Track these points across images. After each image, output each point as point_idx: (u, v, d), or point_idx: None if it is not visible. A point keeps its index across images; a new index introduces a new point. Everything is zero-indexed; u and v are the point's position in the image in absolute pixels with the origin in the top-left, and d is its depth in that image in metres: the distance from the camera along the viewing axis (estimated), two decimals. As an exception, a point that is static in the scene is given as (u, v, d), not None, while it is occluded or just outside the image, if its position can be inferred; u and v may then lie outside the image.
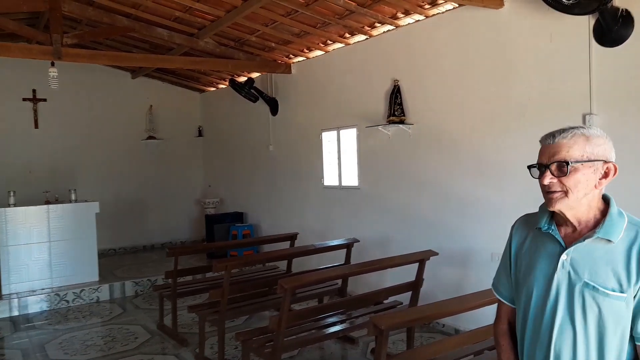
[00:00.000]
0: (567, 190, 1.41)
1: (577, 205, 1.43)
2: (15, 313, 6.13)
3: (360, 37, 5.89)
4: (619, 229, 1.40)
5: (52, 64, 6.18)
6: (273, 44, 6.61)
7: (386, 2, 4.94)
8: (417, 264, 4.02)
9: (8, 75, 8.03)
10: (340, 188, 6.41)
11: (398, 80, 5.38)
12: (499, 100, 4.43)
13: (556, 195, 1.43)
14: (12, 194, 6.61)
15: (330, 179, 6.61)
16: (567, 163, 1.39)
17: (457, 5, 4.69)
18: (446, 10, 4.86)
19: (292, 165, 7.34)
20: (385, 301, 4.25)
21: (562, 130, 1.44)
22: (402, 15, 5.20)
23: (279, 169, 7.66)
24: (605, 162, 1.42)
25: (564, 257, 1.44)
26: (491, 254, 4.38)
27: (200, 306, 4.61)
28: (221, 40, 6.74)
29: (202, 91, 9.81)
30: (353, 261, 4.93)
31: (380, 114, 5.61)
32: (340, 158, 6.41)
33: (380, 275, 5.39)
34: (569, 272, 1.43)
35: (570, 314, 1.41)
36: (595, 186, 1.42)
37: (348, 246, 4.86)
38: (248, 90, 7.49)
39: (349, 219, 6.23)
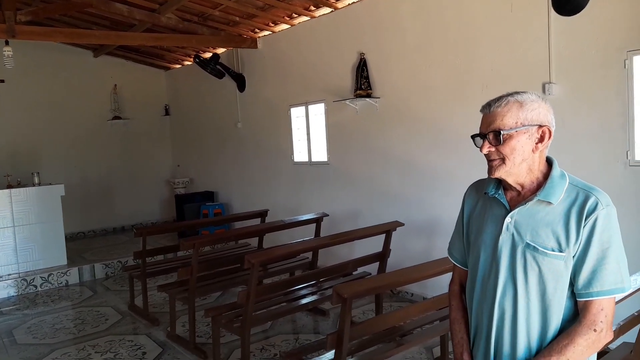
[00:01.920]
0: (504, 158, 1.46)
1: (517, 170, 1.47)
2: (-19, 300, 6.00)
3: (325, 10, 5.82)
4: (559, 191, 1.43)
5: (7, 43, 5.92)
6: (237, 18, 6.48)
7: (350, -27, 4.87)
8: (384, 235, 4.07)
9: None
10: (310, 164, 6.41)
11: (364, 54, 5.35)
12: (462, 73, 4.46)
13: (495, 162, 1.48)
14: (-29, 178, 6.40)
15: (300, 155, 6.59)
16: (500, 132, 1.43)
17: (421, -24, 4.66)
18: (410, -19, 4.82)
19: (261, 142, 7.29)
20: (354, 272, 4.31)
21: (497, 99, 1.47)
22: (366, -13, 5.14)
23: (248, 146, 7.59)
24: (540, 126, 1.45)
25: (508, 219, 1.49)
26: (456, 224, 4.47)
27: (170, 285, 4.59)
28: (184, 16, 6.57)
29: (168, 69, 9.58)
30: (323, 235, 4.95)
31: (347, 88, 5.59)
32: (309, 134, 6.38)
33: (351, 248, 5.45)
34: (512, 234, 1.47)
35: (512, 274, 1.47)
36: (533, 150, 1.46)
37: (317, 220, 4.89)
38: (214, 67, 7.35)
39: (319, 194, 6.25)
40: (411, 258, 4.60)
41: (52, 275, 6.52)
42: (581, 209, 1.39)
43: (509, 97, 1.46)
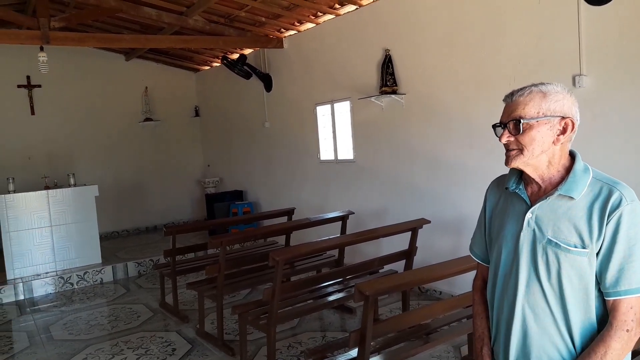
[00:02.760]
0: (523, 148, 1.42)
1: (535, 162, 1.43)
2: (21, 297, 6.23)
3: (350, 7, 5.80)
4: (581, 186, 1.39)
5: (42, 49, 6.14)
6: (263, 19, 6.53)
7: (373, -30, 4.84)
8: (410, 233, 4.03)
9: (1, 62, 7.99)
10: (336, 162, 6.41)
11: (389, 50, 5.31)
12: (490, 66, 4.37)
13: (513, 153, 1.44)
14: (11, 180, 6.65)
15: (326, 153, 6.60)
16: (520, 121, 1.40)
17: (445, -30, 4.59)
18: (434, -25, 4.76)
19: (288, 141, 7.33)
20: (380, 270, 4.28)
21: (521, 89, 1.44)
22: (390, -17, 5.10)
23: (275, 145, 7.65)
24: (563, 117, 1.40)
25: (529, 215, 1.45)
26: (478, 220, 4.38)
27: (198, 283, 4.67)
28: (211, 17, 6.66)
29: (197, 70, 9.74)
30: (350, 232, 4.95)
31: (372, 85, 5.56)
32: (335, 132, 6.38)
33: (377, 246, 5.42)
34: (533, 230, 1.44)
35: (535, 270, 1.43)
36: (554, 142, 1.41)
37: (343, 218, 4.88)
38: (241, 67, 7.44)
39: (346, 192, 6.24)
40: (438, 256, 4.54)
41: (88, 274, 6.72)
42: (604, 204, 1.34)
43: (533, 87, 1.42)
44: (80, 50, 8.20)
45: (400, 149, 5.37)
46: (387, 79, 5.30)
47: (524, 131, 1.40)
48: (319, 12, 6.13)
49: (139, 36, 7.07)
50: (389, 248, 4.80)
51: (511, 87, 4.22)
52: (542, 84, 1.43)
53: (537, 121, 1.39)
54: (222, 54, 8.01)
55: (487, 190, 1.69)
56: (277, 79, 7.37)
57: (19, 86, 8.29)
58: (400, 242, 4.42)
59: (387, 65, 5.32)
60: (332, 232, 5.42)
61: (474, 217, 4.59)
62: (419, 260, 4.23)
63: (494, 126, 1.49)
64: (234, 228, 7.55)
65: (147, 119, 9.31)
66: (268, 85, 7.50)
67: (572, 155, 1.47)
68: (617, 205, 1.33)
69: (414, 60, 5.11)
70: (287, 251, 3.45)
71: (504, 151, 1.48)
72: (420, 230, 4.09)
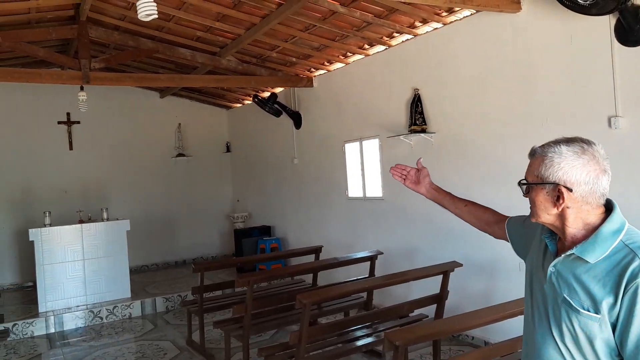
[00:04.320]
0: (532, 207, 1.44)
1: (547, 221, 1.42)
2: (52, 330, 6.30)
3: (379, 48, 5.88)
4: (600, 249, 1.32)
5: (82, 88, 6.41)
6: (294, 59, 6.68)
7: (403, 12, 4.92)
8: (441, 276, 3.93)
9: (44, 100, 8.36)
10: (364, 199, 6.37)
11: (418, 89, 5.33)
12: (521, 106, 4.33)
13: (530, 209, 1.46)
14: (47, 214, 6.85)
15: (354, 190, 6.58)
16: (520, 183, 1.44)
17: (475, 12, 4.63)
18: (464, 17, 4.80)
19: (316, 178, 7.35)
20: (411, 314, 4.17)
21: (534, 148, 1.43)
22: (419, 24, 5.17)
23: (304, 181, 7.68)
24: (557, 184, 1.35)
25: (551, 268, 1.42)
26: (519, 264, 4.24)
27: (225, 322, 4.64)
28: (243, 58, 6.85)
29: (229, 108, 9.98)
30: (378, 273, 4.87)
31: (401, 124, 5.57)
32: (363, 169, 6.38)
33: (407, 287, 5.30)
34: (554, 284, 1.40)
35: (549, 326, 1.40)
36: (556, 208, 1.37)
37: (372, 258, 4.81)
38: (271, 105, 7.58)
39: (374, 230, 6.17)
40: (470, 300, 4.41)
41: (117, 308, 6.77)
42: (622, 272, 1.26)
43: (539, 149, 1.41)
44: (117, 88, 8.51)
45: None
46: (417, 118, 5.30)
47: (527, 193, 1.43)
48: (348, 53, 6.24)
49: (174, 76, 7.32)
50: (419, 290, 4.69)
51: (544, 128, 4.15)
52: (558, 143, 1.37)
53: (536, 186, 1.40)
54: (254, 93, 8.19)
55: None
56: (307, 116, 7.48)
57: (59, 122, 8.64)
58: (430, 284, 4.31)
59: (416, 105, 5.33)
60: (360, 271, 5.35)
61: (508, 260, 4.47)
62: (450, 304, 4.11)
63: (520, 183, 1.47)
64: (262, 264, 7.54)
65: (180, 155, 9.52)
66: (297, 123, 7.60)
67: (608, 208, 1.38)
68: (635, 277, 1.24)
69: (444, 100, 5.11)
70: (315, 294, 3.41)
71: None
72: (451, 273, 3.99)
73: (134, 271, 7.97)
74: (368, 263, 4.90)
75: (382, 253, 4.89)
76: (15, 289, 8.10)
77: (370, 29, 5.44)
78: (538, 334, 1.43)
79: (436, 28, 5.15)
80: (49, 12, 5.88)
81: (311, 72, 7.12)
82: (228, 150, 10.09)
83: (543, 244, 1.49)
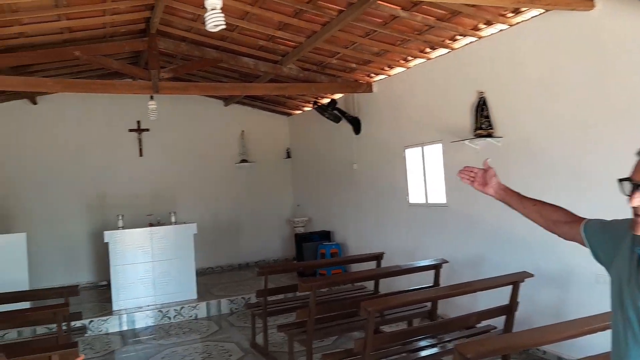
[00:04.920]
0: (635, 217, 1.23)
1: None
2: (124, 328, 6.65)
3: (441, 51, 5.78)
4: None
5: (151, 97, 6.73)
6: (354, 65, 6.69)
7: (466, 15, 4.81)
8: (510, 287, 3.79)
9: (117, 109, 8.85)
10: (426, 206, 6.26)
11: (483, 92, 5.18)
12: (594, 107, 4.10)
13: (633, 219, 1.26)
14: (120, 217, 7.24)
15: (416, 196, 6.48)
16: (623, 179, 1.22)
17: (544, 11, 4.44)
18: (531, 17, 4.62)
19: (376, 183, 7.31)
20: (477, 325, 4.05)
21: None
22: (483, 26, 5.03)
23: (363, 187, 7.66)
24: None
25: None
26: (596, 275, 4.01)
27: (288, 326, 4.70)
28: (304, 65, 6.94)
29: (289, 114, 10.15)
30: (443, 282, 4.77)
31: (466, 128, 5.43)
32: (425, 175, 6.27)
33: (473, 297, 5.14)
34: None
35: None
36: None
37: (436, 267, 4.72)
38: (331, 112, 7.62)
39: (437, 237, 6.04)
40: (541, 312, 4.22)
41: (184, 308, 7.03)
42: None
43: None
44: (183, 97, 8.87)
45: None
46: (482, 122, 5.16)
47: (633, 192, 1.22)
48: (409, 57, 6.17)
49: (238, 84, 7.53)
50: (486, 300, 4.54)
51: (620, 130, 3.90)
52: None
53: None
54: (314, 99, 8.28)
55: (623, 222, 1.44)
56: (366, 122, 7.46)
57: (130, 130, 9.12)
58: (498, 293, 4.16)
59: (481, 108, 5.18)
60: (423, 279, 5.26)
61: (581, 271, 4.23)
62: (519, 315, 3.95)
63: (621, 180, 1.29)
64: (322, 269, 7.59)
65: (243, 161, 9.79)
66: (357, 128, 7.60)
67: None
68: None
69: (511, 103, 4.94)
70: (380, 302, 3.39)
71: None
72: (521, 284, 3.83)
73: (199, 273, 8.24)
74: (430, 271, 4.80)
75: (447, 262, 4.78)
76: (91, 287, 8.61)
77: (432, 33, 5.36)
78: (632, 355, 1.30)
79: (501, 30, 4.99)
80: (122, 27, 6.23)
81: (371, 77, 7.10)
82: (288, 156, 10.26)
83: (635, 256, 1.34)
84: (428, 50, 5.86)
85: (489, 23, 4.95)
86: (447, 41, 5.51)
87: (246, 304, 6.84)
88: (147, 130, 9.14)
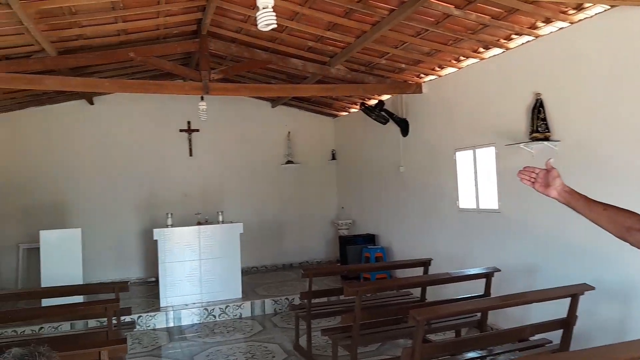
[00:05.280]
0: None
1: None
2: (171, 324, 6.78)
3: (496, 51, 5.56)
4: None
5: (202, 98, 6.84)
6: (403, 65, 6.56)
7: (523, 12, 4.60)
8: (569, 299, 3.57)
9: (168, 109, 9.08)
10: (477, 211, 6.04)
11: (540, 94, 4.94)
12: (668, 111, 3.81)
13: None
14: (169, 215, 7.39)
15: (466, 201, 6.27)
16: None
17: (609, 8, 4.18)
18: (595, 14, 4.36)
19: (424, 187, 7.13)
20: (531, 338, 3.84)
21: None
22: (542, 25, 4.80)
23: (410, 190, 7.50)
24: None
25: None
26: (664, 290, 3.73)
27: (333, 330, 4.63)
28: (352, 66, 6.87)
29: (335, 116, 10.10)
30: (494, 292, 4.56)
31: (521, 131, 5.20)
32: (476, 179, 6.06)
33: (526, 308, 4.90)
34: None
35: None
36: None
37: (487, 276, 4.52)
38: (378, 113, 7.51)
39: (488, 244, 5.81)
40: (602, 328, 3.96)
41: (229, 307, 7.10)
42: None
43: None
44: (232, 98, 8.99)
45: (554, 200, 4.87)
46: (539, 124, 4.91)
47: None
48: (461, 57, 5.98)
49: (286, 86, 7.55)
50: (540, 312, 4.32)
51: None
52: None
53: None
54: (360, 100, 8.19)
55: None
56: (415, 123, 7.29)
57: (180, 130, 9.33)
58: (554, 305, 3.93)
59: (538, 110, 4.94)
60: (472, 287, 5.06)
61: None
62: (577, 330, 3.71)
63: None
64: (366, 273, 7.49)
65: (289, 162, 9.83)
66: (405, 130, 7.45)
67: None
68: None
69: (570, 105, 4.68)
70: (429, 311, 3.26)
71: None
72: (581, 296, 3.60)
73: (245, 272, 8.31)
74: (482, 280, 4.61)
75: (499, 270, 4.57)
76: (140, 283, 8.85)
77: (486, 32, 5.17)
78: None
79: (561, 28, 4.74)
80: (174, 28, 6.36)
81: (420, 77, 6.94)
82: (334, 157, 10.22)
83: None
84: (481, 50, 5.65)
85: (547, 21, 4.71)
86: (502, 40, 5.30)
87: (290, 305, 6.84)
88: (197, 130, 9.32)
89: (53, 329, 6.15)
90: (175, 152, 9.31)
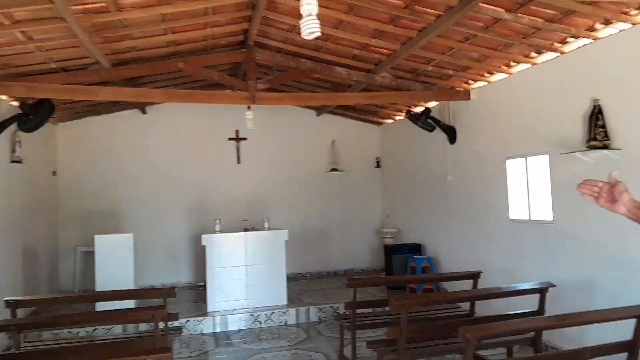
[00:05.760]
0: None
1: None
2: (217, 329, 6.87)
3: (549, 56, 5.33)
4: None
5: (248, 108, 6.93)
6: (450, 72, 6.42)
7: (580, 14, 4.39)
8: (634, 320, 3.34)
9: (217, 118, 9.27)
10: (529, 222, 5.79)
11: (599, 100, 4.69)
12: None
13: None
14: (218, 221, 7.52)
15: (517, 211, 6.03)
16: None
17: (677, 7, 3.92)
18: (661, 15, 4.10)
19: (472, 196, 6.92)
20: None
21: None
22: (600, 27, 4.56)
23: (458, 199, 7.30)
24: None
25: None
26: None
27: (378, 342, 4.55)
28: (397, 73, 6.78)
29: (380, 124, 10.02)
30: (548, 308, 4.34)
31: (577, 139, 4.95)
32: (528, 189, 5.82)
33: (583, 327, 4.65)
34: None
35: None
36: None
37: (542, 291, 4.30)
38: (424, 120, 7.38)
39: (542, 257, 5.55)
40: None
41: (274, 314, 7.13)
42: None
43: None
44: (277, 107, 9.08)
45: (616, 213, 4.60)
46: (597, 132, 4.66)
47: None
48: (512, 62, 5.78)
49: (330, 94, 7.55)
50: (598, 332, 4.07)
51: None
52: None
53: None
54: (406, 108, 8.07)
55: None
56: (462, 131, 7.11)
57: (229, 139, 9.51)
58: (614, 326, 3.70)
59: (596, 117, 4.69)
60: (524, 302, 4.85)
61: None
62: (641, 352, 3.47)
63: None
64: (413, 284, 7.34)
65: (333, 169, 9.82)
66: (452, 138, 7.27)
67: None
68: None
69: (633, 111, 4.41)
70: (480, 329, 3.12)
71: None
72: (644, 317, 3.36)
73: (290, 278, 8.32)
74: (535, 295, 4.40)
75: (554, 285, 4.35)
76: (189, 287, 9.06)
77: (539, 35, 4.97)
78: None
79: (622, 30, 4.49)
80: (222, 39, 6.49)
81: (469, 84, 6.76)
82: (378, 165, 10.13)
83: None
84: (534, 54, 5.44)
85: (607, 22, 4.47)
86: (557, 44, 5.08)
87: (335, 314, 6.78)
88: (245, 139, 9.48)
89: (106, 331, 6.37)
90: (224, 160, 9.50)
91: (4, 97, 6.25)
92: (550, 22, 4.63)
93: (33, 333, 6.03)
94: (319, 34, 3.30)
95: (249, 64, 6.56)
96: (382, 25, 5.39)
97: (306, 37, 3.29)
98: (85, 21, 4.74)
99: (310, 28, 3.17)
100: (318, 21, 3.25)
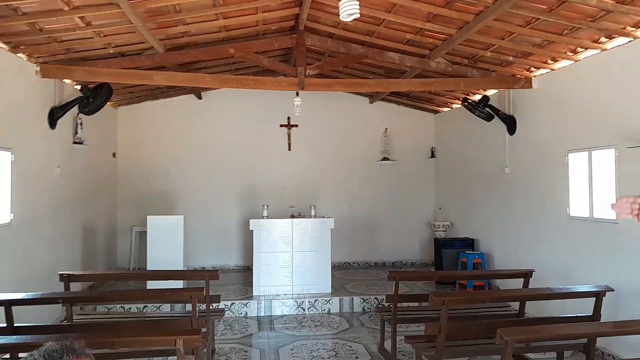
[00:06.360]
0: None
1: None
2: (262, 313, 6.95)
3: (620, 40, 4.88)
4: None
5: (297, 94, 6.88)
6: (511, 58, 6.05)
7: (659, -6, 3.96)
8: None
9: (269, 105, 9.30)
10: (591, 221, 5.39)
11: (676, 89, 4.24)
12: None
13: None
14: (266, 207, 7.58)
15: (578, 208, 5.62)
16: None
17: None
18: None
19: (530, 191, 6.54)
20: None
21: None
22: (681, 8, 4.10)
23: (515, 194, 6.92)
24: None
25: None
26: None
27: (417, 337, 4.40)
28: (453, 59, 6.48)
29: (436, 112, 9.67)
30: (605, 313, 4.01)
31: (648, 132, 4.52)
32: (591, 184, 5.40)
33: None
34: None
35: None
36: None
37: (598, 295, 3.98)
38: (482, 109, 7.04)
39: (602, 259, 5.15)
40: None
41: (318, 301, 7.12)
42: None
43: None
44: (331, 94, 8.98)
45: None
46: (671, 125, 4.23)
47: None
48: (579, 48, 5.35)
49: (382, 80, 7.33)
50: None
51: None
52: None
53: None
54: (463, 95, 7.73)
55: None
56: (523, 121, 6.71)
57: (281, 125, 9.53)
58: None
59: (671, 108, 4.25)
60: (579, 305, 4.53)
61: None
62: None
63: None
64: (462, 279, 7.08)
65: (385, 159, 9.62)
66: (511, 128, 6.89)
67: None
68: None
69: None
70: (522, 331, 2.92)
71: None
72: None
73: (336, 267, 8.30)
74: (590, 299, 4.07)
75: (612, 290, 4.01)
76: (238, 270, 9.24)
77: (609, 19, 4.55)
78: None
79: None
80: (273, 24, 6.46)
81: (530, 71, 6.35)
82: (432, 155, 9.81)
83: None
84: (603, 39, 5.00)
85: (688, 3, 4.02)
86: (630, 28, 4.63)
87: (377, 306, 6.67)
88: (296, 126, 9.47)
89: (155, 308, 6.61)
90: (275, 146, 9.55)
91: (67, 80, 6.55)
92: (622, 3, 4.23)
93: (90, 306, 6.37)
94: (357, 15, 3.17)
95: (299, 50, 6.49)
96: (437, 9, 5.14)
97: (345, 20, 3.18)
98: (138, 7, 4.84)
99: (349, 10, 3.05)
100: (357, 2, 3.12)
